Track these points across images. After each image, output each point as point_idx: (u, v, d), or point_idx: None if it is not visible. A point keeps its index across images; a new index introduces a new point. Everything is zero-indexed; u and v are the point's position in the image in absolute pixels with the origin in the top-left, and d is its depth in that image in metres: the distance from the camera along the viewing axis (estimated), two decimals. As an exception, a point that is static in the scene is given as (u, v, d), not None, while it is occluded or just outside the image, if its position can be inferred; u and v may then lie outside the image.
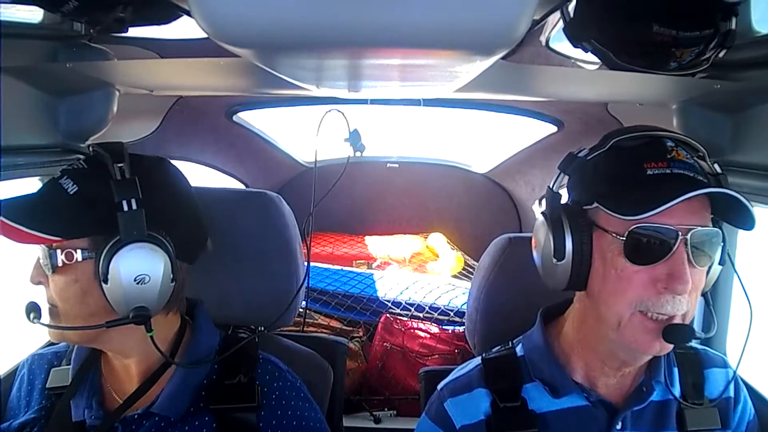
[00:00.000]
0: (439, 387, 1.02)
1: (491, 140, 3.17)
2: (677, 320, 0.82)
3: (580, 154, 0.89)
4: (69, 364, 0.96)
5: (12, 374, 1.03)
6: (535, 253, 0.94)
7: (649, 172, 0.81)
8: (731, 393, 0.99)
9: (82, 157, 0.92)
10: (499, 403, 0.94)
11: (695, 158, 0.85)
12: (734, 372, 0.99)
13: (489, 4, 0.52)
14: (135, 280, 0.83)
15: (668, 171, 0.81)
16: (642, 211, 0.77)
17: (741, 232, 1.26)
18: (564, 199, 0.93)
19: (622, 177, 0.83)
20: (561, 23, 0.97)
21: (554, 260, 0.86)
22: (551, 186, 0.90)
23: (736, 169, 1.14)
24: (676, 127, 1.22)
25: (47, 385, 0.96)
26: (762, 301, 0.97)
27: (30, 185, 1.32)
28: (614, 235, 0.82)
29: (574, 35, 0.95)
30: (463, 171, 3.09)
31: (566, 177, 0.92)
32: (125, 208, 0.84)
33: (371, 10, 0.53)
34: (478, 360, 1.03)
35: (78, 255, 0.84)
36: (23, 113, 1.13)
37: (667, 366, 0.96)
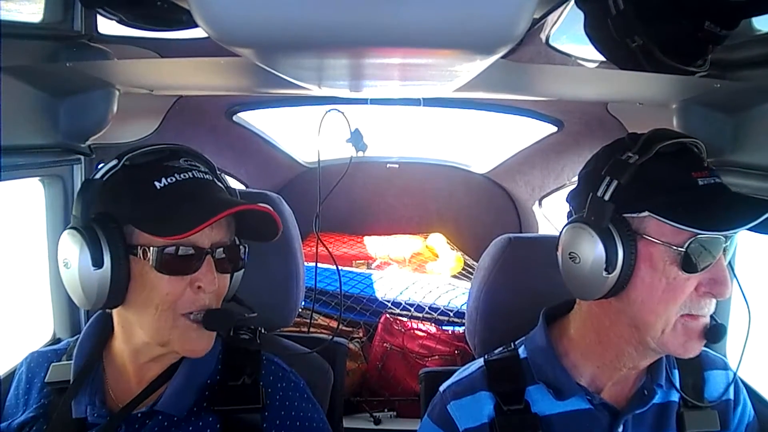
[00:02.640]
0: (441, 389, 1.02)
1: (491, 140, 3.17)
2: (707, 320, 0.85)
3: (630, 161, 0.84)
4: (69, 360, 0.96)
5: (12, 374, 1.03)
6: (571, 264, 0.88)
7: (700, 182, 0.82)
8: (731, 395, 0.99)
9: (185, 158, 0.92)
10: (503, 406, 0.94)
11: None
12: (734, 374, 0.99)
13: (489, 3, 0.52)
14: None
15: (713, 181, 0.83)
16: (718, 227, 0.78)
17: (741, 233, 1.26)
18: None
19: (675, 187, 0.83)
20: (561, 21, 0.97)
21: (605, 273, 0.83)
22: (600, 194, 0.85)
23: (736, 169, 1.14)
24: (676, 127, 1.22)
25: (47, 380, 0.95)
26: (761, 303, 0.97)
27: (30, 185, 1.32)
28: (671, 246, 0.81)
29: (618, 29, 0.91)
30: (463, 171, 3.09)
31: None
32: None
33: (372, 10, 0.53)
34: (480, 362, 1.03)
35: None
36: (23, 113, 1.13)
37: (668, 368, 0.96)
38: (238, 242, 0.94)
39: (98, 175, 0.87)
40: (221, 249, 0.89)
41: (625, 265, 0.83)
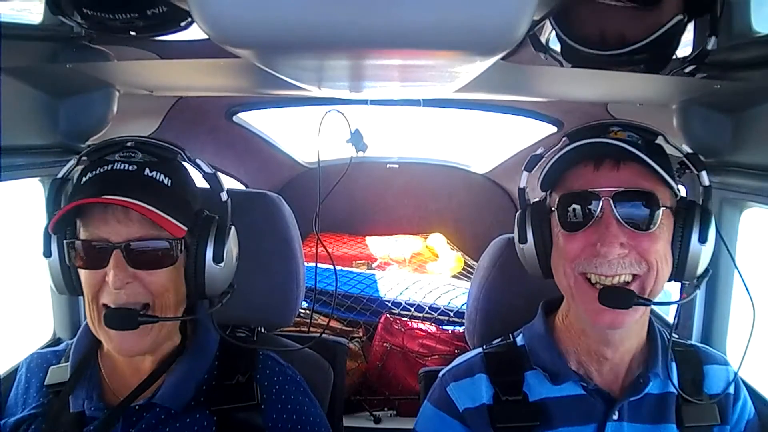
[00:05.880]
0: (440, 374, 1.04)
1: (491, 140, 3.17)
2: (607, 283, 0.85)
3: (538, 151, 0.99)
4: (68, 362, 0.97)
5: (12, 374, 1.03)
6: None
7: (568, 147, 0.88)
8: (731, 389, 0.99)
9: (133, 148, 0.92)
10: (501, 396, 0.95)
11: (642, 138, 0.88)
12: (735, 373, 0.99)
13: (489, 5, 0.52)
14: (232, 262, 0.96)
15: (599, 140, 0.86)
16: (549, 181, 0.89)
17: (742, 233, 1.26)
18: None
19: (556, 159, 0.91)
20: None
21: (519, 244, 0.96)
22: (520, 186, 1.00)
23: (736, 169, 1.14)
24: (677, 127, 1.22)
25: (46, 383, 0.96)
26: (762, 302, 0.97)
27: (30, 185, 1.32)
28: (552, 210, 0.91)
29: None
30: (463, 171, 3.09)
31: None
32: (224, 198, 0.95)
33: (372, 11, 0.53)
34: (479, 350, 1.05)
35: (182, 244, 0.89)
36: (23, 113, 1.13)
37: (665, 360, 0.96)
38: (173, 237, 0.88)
39: (59, 174, 0.92)
40: (139, 243, 0.84)
41: (536, 236, 0.93)
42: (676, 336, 1.02)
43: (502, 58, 0.70)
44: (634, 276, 0.85)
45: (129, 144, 0.90)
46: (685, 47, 1.21)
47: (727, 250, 1.11)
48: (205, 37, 0.56)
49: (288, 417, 0.96)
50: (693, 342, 1.02)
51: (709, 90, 1.09)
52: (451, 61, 0.72)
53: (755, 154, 1.11)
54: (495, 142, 3.04)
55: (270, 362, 1.02)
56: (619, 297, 0.83)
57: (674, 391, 0.95)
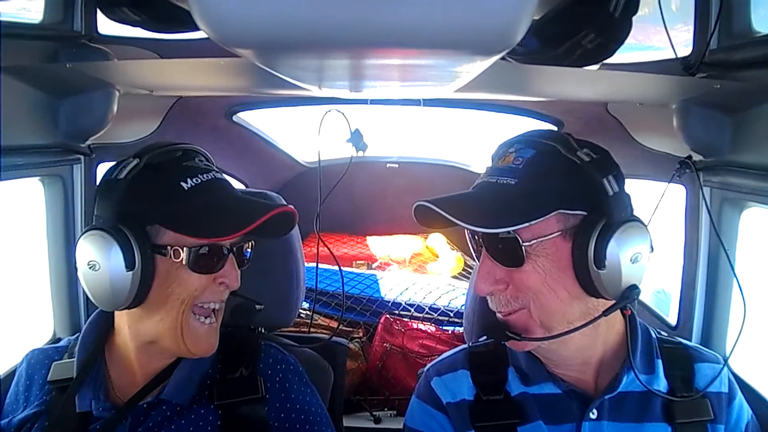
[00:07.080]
0: (425, 369, 1.06)
1: (491, 140, 3.17)
2: (509, 317, 0.88)
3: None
4: (71, 358, 0.96)
5: (12, 374, 1.03)
6: None
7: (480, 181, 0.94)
8: (724, 389, 0.96)
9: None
10: (482, 396, 0.96)
11: (537, 155, 0.88)
12: (729, 369, 0.97)
13: (489, 5, 0.52)
14: None
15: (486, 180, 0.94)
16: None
17: (742, 232, 1.26)
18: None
19: None
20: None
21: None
22: None
23: (736, 169, 1.14)
24: (676, 127, 1.22)
25: (49, 378, 0.95)
26: (763, 302, 0.97)
27: (30, 185, 1.32)
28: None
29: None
30: (463, 171, 3.09)
31: None
32: None
33: (372, 10, 0.53)
34: (464, 346, 1.06)
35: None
36: (23, 113, 1.13)
37: (648, 357, 0.95)
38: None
39: (121, 175, 0.86)
40: (241, 245, 0.94)
41: None
42: (665, 334, 1.01)
43: (503, 58, 0.70)
44: (522, 307, 0.87)
45: (182, 152, 0.93)
46: (686, 47, 1.21)
47: (724, 250, 1.11)
48: (205, 36, 0.56)
49: (291, 407, 0.97)
50: (681, 340, 1.01)
51: (709, 90, 1.09)
52: (451, 61, 0.72)
53: (755, 154, 1.11)
54: (495, 142, 3.05)
55: (272, 351, 1.03)
56: (496, 331, 0.91)
57: (660, 388, 0.93)
